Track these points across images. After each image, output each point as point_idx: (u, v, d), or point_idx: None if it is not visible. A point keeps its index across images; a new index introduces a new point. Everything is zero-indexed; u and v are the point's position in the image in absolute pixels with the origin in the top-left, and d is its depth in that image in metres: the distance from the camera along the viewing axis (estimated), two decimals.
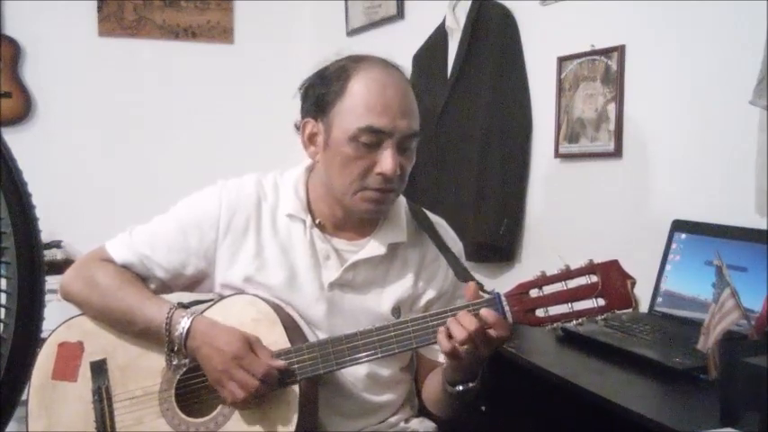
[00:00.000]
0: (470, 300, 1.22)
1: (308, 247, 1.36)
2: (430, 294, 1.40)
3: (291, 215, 1.37)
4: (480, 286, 1.26)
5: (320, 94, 1.32)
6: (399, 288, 1.38)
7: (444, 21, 2.63)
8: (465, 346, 1.17)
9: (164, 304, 1.32)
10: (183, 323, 1.28)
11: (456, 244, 1.46)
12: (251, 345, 1.25)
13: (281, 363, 1.24)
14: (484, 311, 1.18)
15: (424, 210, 1.46)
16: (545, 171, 2.32)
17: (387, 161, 1.27)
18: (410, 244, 1.41)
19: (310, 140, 1.36)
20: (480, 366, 1.28)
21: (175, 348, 1.29)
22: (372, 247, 1.37)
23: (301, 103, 1.37)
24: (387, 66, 1.33)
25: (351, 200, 1.31)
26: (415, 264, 1.40)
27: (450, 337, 1.18)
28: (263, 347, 1.26)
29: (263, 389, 1.23)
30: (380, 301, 1.37)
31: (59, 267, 1.74)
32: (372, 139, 1.27)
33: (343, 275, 1.36)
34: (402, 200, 1.44)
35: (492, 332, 1.17)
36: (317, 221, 1.38)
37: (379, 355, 1.24)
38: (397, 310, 1.37)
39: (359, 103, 1.27)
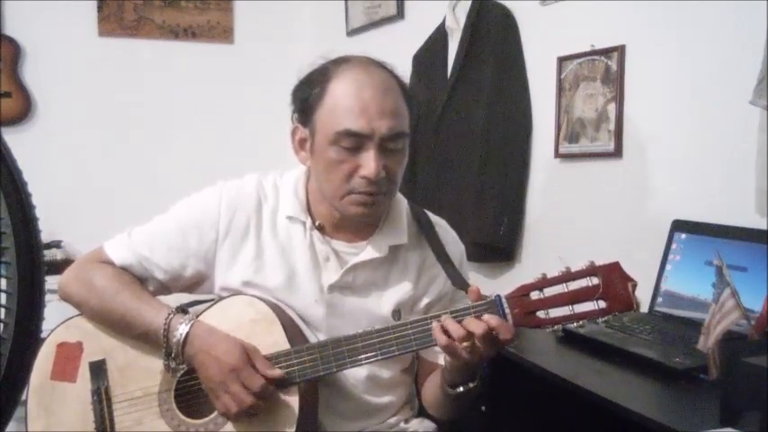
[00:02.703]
0: (474, 301, 1.21)
1: (308, 248, 1.36)
2: (430, 297, 1.40)
3: (291, 217, 1.37)
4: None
5: (303, 99, 1.31)
6: (400, 290, 1.37)
7: (444, 21, 2.63)
8: (464, 344, 1.17)
9: (162, 308, 1.31)
10: (182, 329, 1.27)
11: (458, 246, 1.45)
12: (249, 356, 1.24)
13: (279, 373, 1.23)
14: (487, 317, 1.17)
15: (426, 211, 1.46)
16: (545, 171, 2.32)
17: (368, 164, 1.25)
18: (411, 246, 1.40)
19: (300, 146, 1.35)
20: (481, 366, 1.27)
21: (173, 354, 1.29)
22: (373, 249, 1.36)
23: (292, 108, 1.36)
24: (368, 65, 1.30)
25: (340, 204, 1.30)
26: (416, 266, 1.40)
27: (446, 332, 1.18)
28: (262, 358, 1.25)
29: (257, 406, 1.22)
30: (381, 304, 1.36)
31: (59, 267, 1.74)
32: (352, 142, 1.25)
33: (342, 278, 1.35)
34: (403, 201, 1.44)
35: (498, 336, 1.17)
36: (316, 223, 1.37)
37: (379, 357, 1.24)
38: (397, 313, 1.36)
39: (337, 107, 1.26)
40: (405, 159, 1.32)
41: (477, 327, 1.16)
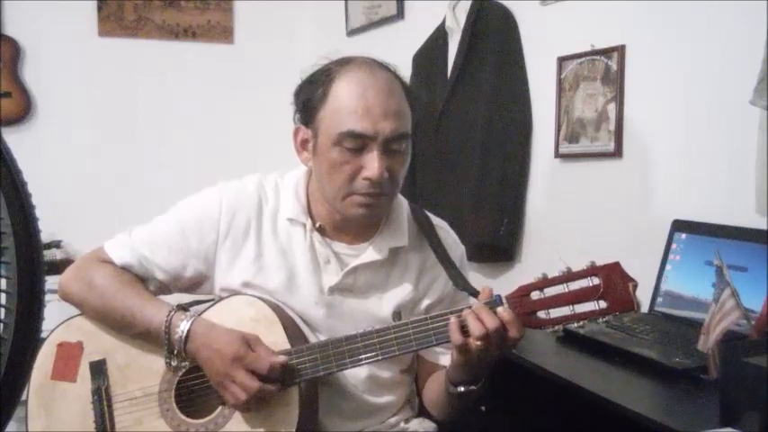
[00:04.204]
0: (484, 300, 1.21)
1: (308, 250, 1.36)
2: (431, 298, 1.40)
3: (292, 219, 1.36)
4: (476, 293, 1.26)
5: (306, 100, 1.31)
6: (400, 292, 1.37)
7: (444, 21, 2.63)
8: (479, 342, 1.17)
9: (163, 306, 1.31)
10: (183, 326, 1.27)
11: (458, 247, 1.45)
12: (250, 344, 1.25)
13: (282, 358, 1.24)
14: (501, 310, 1.17)
15: (427, 212, 1.45)
16: (545, 171, 2.32)
17: (372, 165, 1.25)
18: (411, 248, 1.40)
19: (303, 146, 1.35)
20: (488, 368, 1.27)
21: (175, 351, 1.29)
22: (373, 251, 1.36)
23: (294, 108, 1.36)
24: (372, 67, 1.30)
25: (341, 205, 1.30)
26: (416, 268, 1.39)
27: (464, 330, 1.18)
28: (263, 345, 1.25)
29: (265, 390, 1.23)
30: (381, 306, 1.37)
31: (59, 267, 1.74)
32: (356, 143, 1.25)
33: (343, 280, 1.35)
34: (404, 202, 1.44)
35: (508, 332, 1.17)
36: (317, 225, 1.37)
37: (380, 357, 1.24)
38: (397, 315, 1.35)
39: (340, 107, 1.26)
40: (407, 161, 1.32)
41: (492, 321, 1.16)
